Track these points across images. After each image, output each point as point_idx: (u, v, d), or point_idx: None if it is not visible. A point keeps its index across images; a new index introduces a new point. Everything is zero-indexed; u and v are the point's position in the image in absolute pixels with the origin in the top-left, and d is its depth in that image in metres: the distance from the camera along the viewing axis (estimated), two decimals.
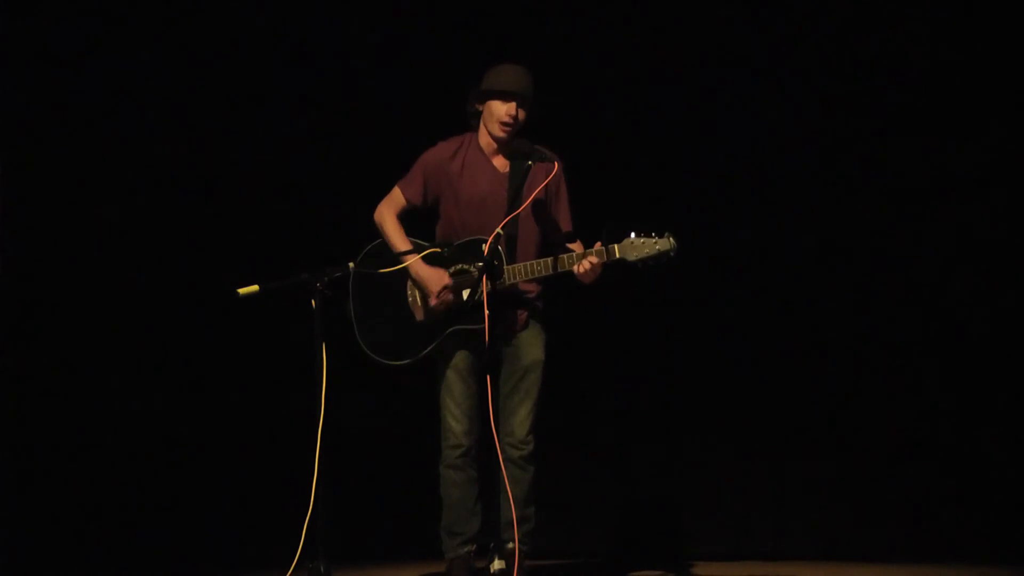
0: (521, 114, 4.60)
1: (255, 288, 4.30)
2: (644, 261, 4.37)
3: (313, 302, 4.23)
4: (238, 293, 4.30)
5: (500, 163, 4.71)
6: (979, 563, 5.43)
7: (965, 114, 5.80)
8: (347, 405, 4.92)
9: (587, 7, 6.11)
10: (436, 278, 4.58)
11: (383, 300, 4.69)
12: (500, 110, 4.59)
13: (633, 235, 4.39)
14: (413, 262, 4.61)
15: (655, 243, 4.37)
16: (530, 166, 4.51)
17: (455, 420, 4.66)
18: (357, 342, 4.68)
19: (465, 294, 4.55)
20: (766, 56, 5.98)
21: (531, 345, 4.66)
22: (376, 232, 4.75)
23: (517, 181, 4.57)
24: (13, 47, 5.95)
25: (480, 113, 4.67)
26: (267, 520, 5.58)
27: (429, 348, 4.62)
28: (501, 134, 4.62)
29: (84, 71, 6.07)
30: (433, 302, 4.58)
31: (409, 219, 4.74)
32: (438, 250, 4.60)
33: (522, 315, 4.66)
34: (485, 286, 4.20)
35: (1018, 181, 5.76)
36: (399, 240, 4.69)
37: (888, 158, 5.91)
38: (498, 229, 4.25)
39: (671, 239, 4.37)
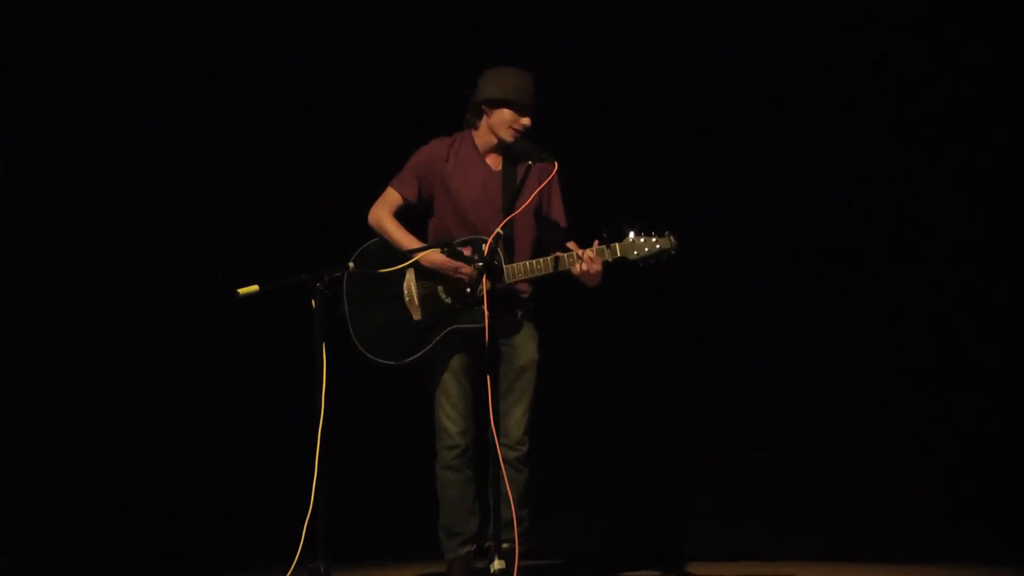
0: (529, 121, 4.63)
1: (255, 288, 4.31)
2: (645, 260, 4.38)
3: (313, 302, 4.23)
4: (238, 293, 4.30)
5: (493, 161, 4.72)
6: (979, 563, 5.43)
7: (966, 115, 5.80)
8: (347, 405, 4.92)
9: (586, 5, 6.11)
10: (449, 261, 4.56)
11: (379, 300, 4.69)
12: (515, 120, 4.61)
13: (632, 234, 4.39)
14: (423, 255, 4.59)
15: (655, 242, 4.37)
16: (530, 166, 4.52)
17: (451, 421, 4.67)
18: (351, 341, 4.68)
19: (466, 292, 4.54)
20: (766, 57, 5.99)
21: (526, 345, 4.67)
22: (371, 232, 4.75)
23: (514, 180, 4.58)
24: (12, 47, 5.96)
25: (483, 113, 4.67)
26: (267, 520, 5.57)
27: (427, 348, 4.62)
28: (511, 140, 4.63)
29: (84, 71, 6.07)
30: (467, 275, 4.52)
31: (401, 218, 4.74)
32: (437, 250, 4.59)
33: (517, 315, 4.66)
34: (485, 286, 4.20)
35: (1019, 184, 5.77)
36: (404, 237, 4.68)
37: (888, 160, 5.92)
38: (498, 229, 4.25)
39: (671, 238, 4.38)
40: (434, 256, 4.58)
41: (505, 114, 4.63)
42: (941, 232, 5.84)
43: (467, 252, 4.51)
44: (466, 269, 4.52)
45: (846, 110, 5.92)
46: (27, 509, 5.79)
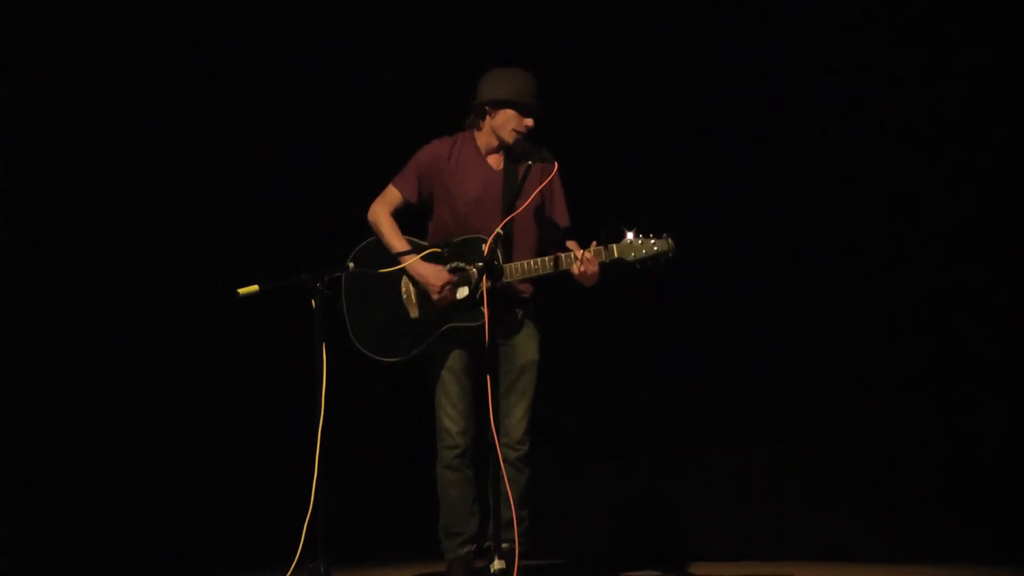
0: (532, 122, 4.64)
1: (255, 288, 4.31)
2: (642, 262, 4.37)
3: (313, 302, 4.23)
4: (238, 293, 4.30)
5: (494, 161, 4.72)
6: (979, 563, 5.43)
7: (966, 115, 5.80)
8: (347, 405, 4.91)
9: (586, 5, 6.11)
10: (436, 275, 4.57)
11: (377, 296, 4.69)
12: (519, 122, 4.61)
13: (631, 235, 4.39)
14: (413, 262, 4.61)
15: (653, 244, 4.36)
16: (530, 166, 4.52)
17: (451, 421, 4.66)
18: (350, 338, 4.68)
19: (463, 292, 4.54)
20: (766, 57, 5.98)
21: (526, 345, 4.66)
22: (370, 230, 4.75)
23: (515, 180, 4.58)
24: (12, 47, 5.96)
25: (485, 114, 4.67)
26: (267, 520, 5.57)
27: (423, 345, 4.62)
28: (511, 141, 4.64)
29: (84, 71, 6.08)
30: (436, 298, 4.57)
31: (402, 217, 4.74)
32: (437, 250, 4.59)
33: (517, 315, 4.66)
34: (485, 285, 4.20)
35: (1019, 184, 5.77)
36: (396, 239, 4.68)
37: (888, 160, 5.91)
38: (498, 229, 4.24)
39: (669, 240, 4.36)
40: (418, 267, 4.58)
41: (509, 115, 4.63)
42: (941, 232, 5.83)
43: (467, 266, 4.51)
44: (447, 293, 4.51)
45: (846, 110, 5.92)
46: (27, 509, 5.79)
